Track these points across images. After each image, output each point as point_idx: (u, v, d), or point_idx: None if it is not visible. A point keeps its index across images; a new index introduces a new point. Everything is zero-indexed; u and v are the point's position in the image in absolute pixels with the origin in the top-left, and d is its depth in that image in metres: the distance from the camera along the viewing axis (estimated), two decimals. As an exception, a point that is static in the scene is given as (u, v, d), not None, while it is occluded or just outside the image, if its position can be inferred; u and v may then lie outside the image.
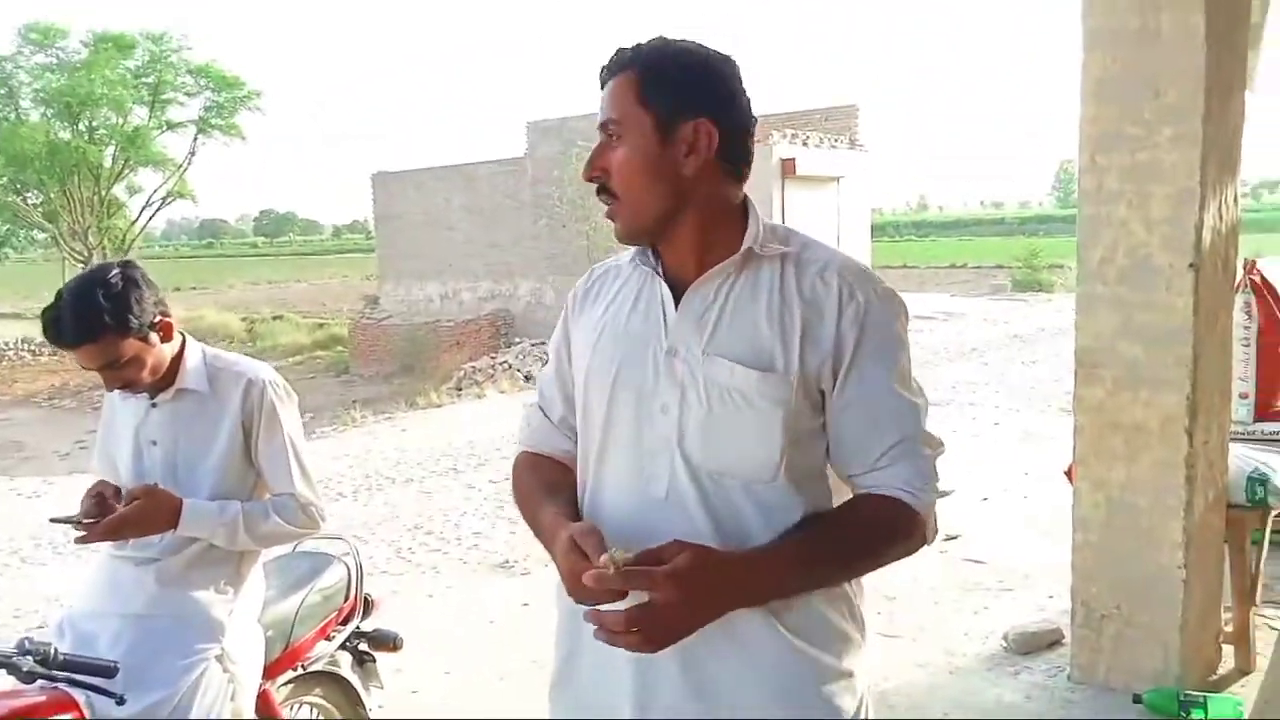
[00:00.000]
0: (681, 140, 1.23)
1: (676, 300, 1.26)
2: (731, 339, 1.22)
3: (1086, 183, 3.00)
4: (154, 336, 1.98)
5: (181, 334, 2.07)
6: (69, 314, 1.89)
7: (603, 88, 1.27)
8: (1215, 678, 3.10)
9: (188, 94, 26.06)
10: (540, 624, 4.34)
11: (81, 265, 25.62)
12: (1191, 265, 2.82)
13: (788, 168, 18.40)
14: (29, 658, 1.74)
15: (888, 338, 1.23)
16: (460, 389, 15.87)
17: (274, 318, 28.74)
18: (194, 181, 28.46)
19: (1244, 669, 3.13)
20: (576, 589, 1.13)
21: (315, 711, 2.51)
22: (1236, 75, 2.99)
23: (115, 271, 1.95)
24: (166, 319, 2.01)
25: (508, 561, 5.33)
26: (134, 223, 27.11)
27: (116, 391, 2.07)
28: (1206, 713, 2.80)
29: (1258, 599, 3.26)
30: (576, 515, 1.30)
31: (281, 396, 2.12)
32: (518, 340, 19.90)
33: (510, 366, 16.98)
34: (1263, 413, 4.09)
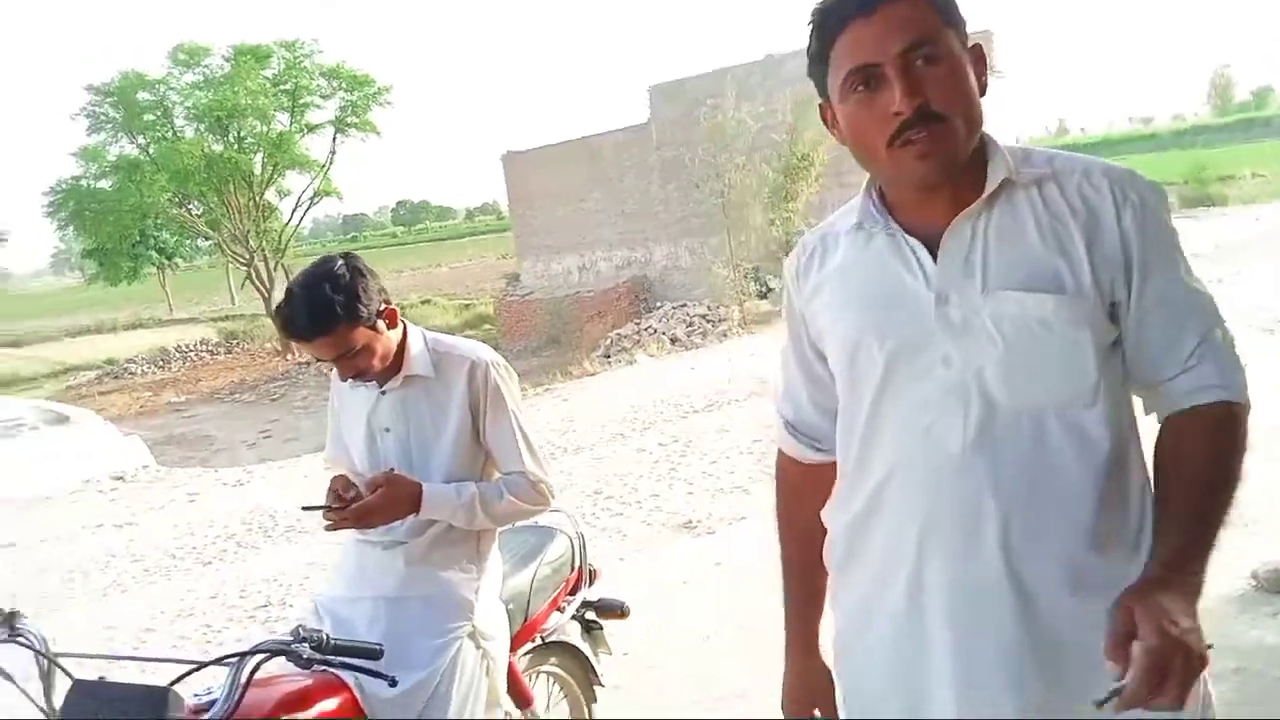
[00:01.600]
0: (976, 60, 1.16)
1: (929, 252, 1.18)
2: (1011, 270, 1.13)
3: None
4: (381, 324, 2.01)
5: (403, 321, 2.09)
6: (302, 309, 1.93)
7: (857, 20, 1.13)
8: None
9: (323, 96, 27.13)
10: (734, 583, 4.35)
11: (245, 268, 27.30)
12: None
13: (922, 100, 17.68)
14: (305, 644, 1.80)
15: (1168, 230, 1.17)
16: (609, 356, 16.06)
17: (422, 302, 29.85)
18: (336, 179, 29.72)
19: None
20: None
21: (553, 681, 2.55)
22: None
23: (340, 264, 1.98)
24: (390, 306, 2.04)
25: (690, 521, 5.32)
26: (287, 224, 28.51)
27: (345, 383, 2.11)
28: None
29: None
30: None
31: (504, 376, 2.12)
32: (658, 305, 19.96)
33: (655, 330, 17.05)
34: None
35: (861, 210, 1.24)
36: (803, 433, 1.38)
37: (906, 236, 1.19)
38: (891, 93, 1.10)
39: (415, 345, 2.10)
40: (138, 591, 5.43)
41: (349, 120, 27.44)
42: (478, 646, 2.06)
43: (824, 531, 1.34)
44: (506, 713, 2.18)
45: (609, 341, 17.48)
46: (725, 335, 14.31)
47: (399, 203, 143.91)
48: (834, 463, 1.32)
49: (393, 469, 2.02)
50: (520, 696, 2.29)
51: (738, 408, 8.04)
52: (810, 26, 1.18)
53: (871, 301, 1.21)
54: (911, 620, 1.19)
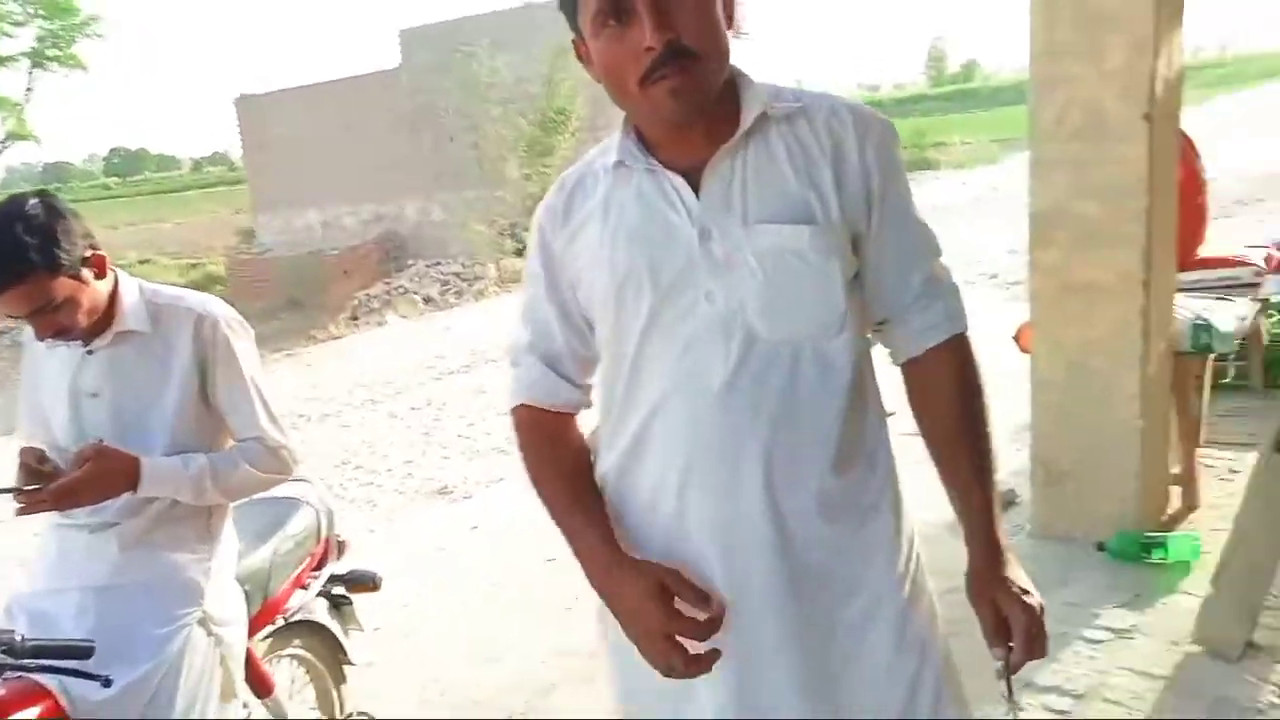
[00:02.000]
0: None
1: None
2: (767, 203, 1.16)
3: (1039, 40, 2.94)
4: (86, 273, 1.74)
5: (113, 269, 1.83)
6: None
7: None
8: (1165, 518, 3.23)
9: (15, 23, 23.71)
10: (493, 546, 4.29)
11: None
12: (1146, 116, 2.81)
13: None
14: (-9, 649, 1.54)
15: (901, 166, 1.23)
16: (357, 318, 15.36)
17: (141, 262, 27.02)
18: (33, 121, 26.16)
19: (1191, 506, 3.27)
20: (668, 655, 1.13)
21: (296, 664, 2.37)
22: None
23: (34, 202, 1.69)
24: (98, 253, 1.77)
25: (445, 487, 5.19)
26: (-30, 171, 24.91)
27: (41, 343, 1.82)
28: (1168, 552, 2.92)
29: (1201, 440, 3.40)
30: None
31: (237, 331, 1.91)
32: (411, 263, 19.28)
33: (407, 290, 16.48)
34: (1183, 264, 4.22)
35: (621, 148, 1.21)
36: (561, 373, 1.31)
37: (668, 173, 1.18)
38: (642, 28, 1.07)
39: (129, 297, 1.84)
40: None
41: (48, 53, 24.20)
42: (209, 634, 1.86)
43: (590, 467, 1.30)
44: (245, 705, 2.00)
45: (357, 302, 16.70)
46: (482, 294, 14.10)
47: (112, 150, 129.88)
48: (577, 413, 1.32)
49: (101, 440, 1.76)
50: (260, 685, 2.10)
51: (495, 368, 7.94)
52: None
53: (637, 238, 1.19)
54: (677, 557, 1.19)
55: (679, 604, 1.13)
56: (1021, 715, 1.21)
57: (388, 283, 17.81)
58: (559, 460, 1.30)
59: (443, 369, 8.20)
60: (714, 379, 1.15)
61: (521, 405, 1.33)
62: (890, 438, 1.28)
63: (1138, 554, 2.96)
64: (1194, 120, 4.20)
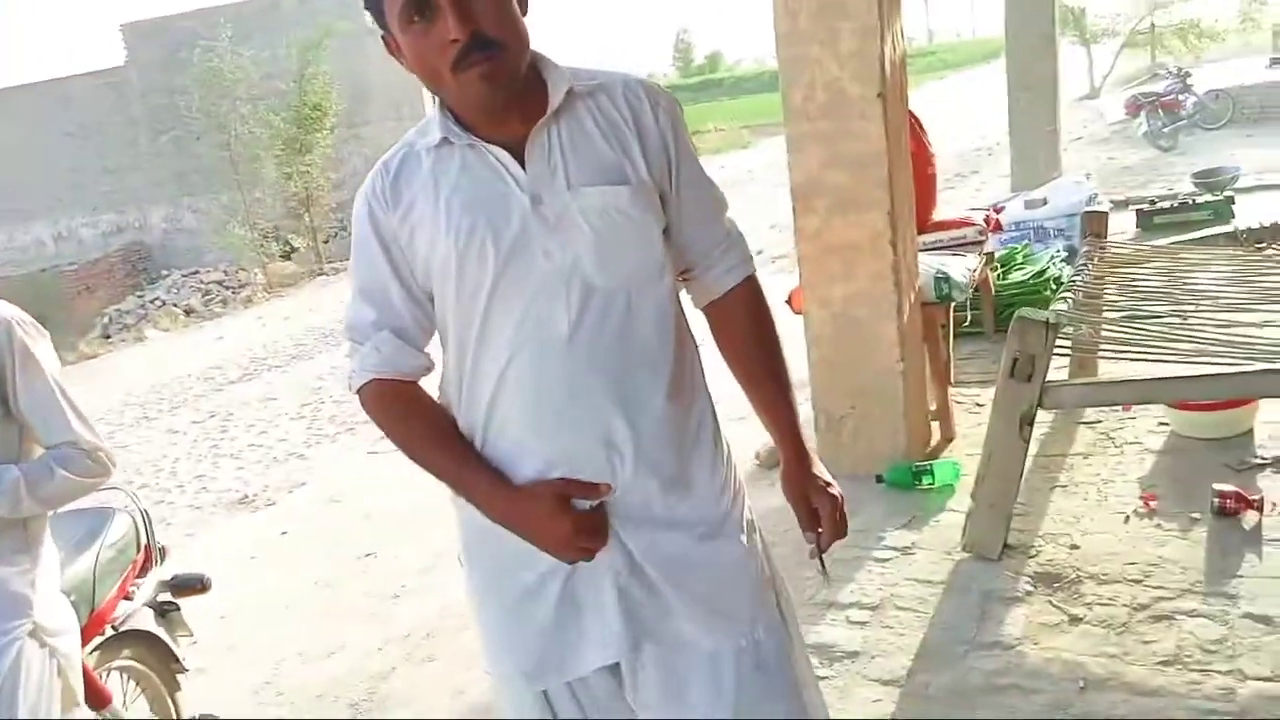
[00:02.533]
0: None
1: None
2: (586, 168, 1.29)
3: (782, 27, 3.27)
4: None
5: None
6: None
7: None
8: (929, 449, 3.69)
9: None
10: (307, 547, 4.21)
11: None
12: (879, 94, 3.20)
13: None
14: None
15: (685, 129, 1.39)
16: (110, 335, 14.18)
17: None
18: None
19: (948, 438, 3.74)
20: (582, 550, 1.28)
21: (126, 676, 2.30)
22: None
23: None
24: None
25: (246, 497, 5.01)
26: None
27: None
28: (934, 477, 3.35)
29: (951, 380, 3.89)
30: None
31: (33, 334, 1.84)
32: (163, 274, 17.93)
33: (164, 303, 15.36)
34: (921, 227, 4.77)
35: (442, 127, 1.29)
36: (410, 344, 1.38)
37: (490, 148, 1.28)
38: (445, 22, 1.18)
39: None
40: None
41: None
42: (43, 645, 1.79)
43: (452, 421, 1.38)
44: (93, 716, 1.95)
45: (106, 319, 15.39)
46: (250, 301, 13.39)
47: None
48: (418, 381, 1.39)
49: None
50: (95, 697, 2.04)
51: (280, 373, 7.65)
52: None
53: (471, 207, 1.28)
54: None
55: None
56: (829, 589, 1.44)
57: (140, 295, 16.51)
58: (427, 421, 1.38)
59: (222, 379, 7.80)
60: (560, 326, 1.28)
61: (372, 380, 1.37)
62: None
63: (910, 482, 3.36)
64: (913, 102, 4.76)
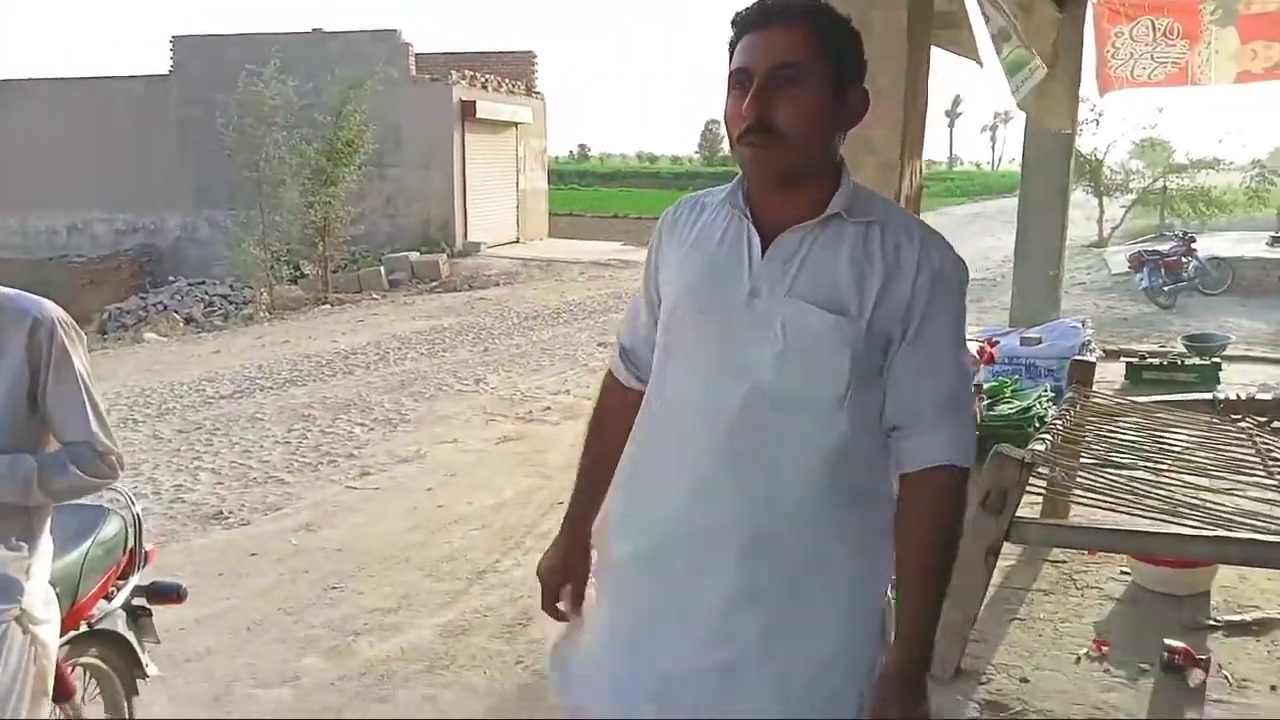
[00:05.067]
0: (849, 102, 1.36)
1: (763, 245, 1.37)
2: (811, 285, 1.34)
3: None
4: None
5: None
6: None
7: (752, 31, 1.34)
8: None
9: None
10: (276, 571, 4.22)
11: None
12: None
13: (468, 110, 18.26)
14: None
15: (955, 302, 1.38)
16: (106, 333, 14.23)
17: None
18: None
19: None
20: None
21: (88, 674, 2.34)
22: (924, 64, 3.57)
23: None
24: None
25: (221, 513, 5.03)
26: None
27: None
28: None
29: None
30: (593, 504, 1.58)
31: (72, 336, 1.94)
32: (170, 279, 18.06)
33: (166, 308, 15.45)
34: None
35: (731, 192, 1.44)
36: (633, 362, 1.60)
37: (752, 229, 1.38)
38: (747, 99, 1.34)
39: None
40: None
41: None
42: (25, 631, 1.85)
43: (621, 450, 1.53)
44: (55, 707, 1.99)
45: (106, 316, 15.47)
46: (251, 319, 13.46)
47: None
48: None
49: None
50: (62, 688, 2.08)
51: (271, 396, 7.71)
52: (730, 24, 1.37)
53: (707, 271, 1.41)
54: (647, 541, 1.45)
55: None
56: None
57: (143, 297, 16.62)
58: (608, 434, 1.59)
59: (213, 392, 7.85)
60: (728, 405, 1.35)
61: (610, 375, 1.64)
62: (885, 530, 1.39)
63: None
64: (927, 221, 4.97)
